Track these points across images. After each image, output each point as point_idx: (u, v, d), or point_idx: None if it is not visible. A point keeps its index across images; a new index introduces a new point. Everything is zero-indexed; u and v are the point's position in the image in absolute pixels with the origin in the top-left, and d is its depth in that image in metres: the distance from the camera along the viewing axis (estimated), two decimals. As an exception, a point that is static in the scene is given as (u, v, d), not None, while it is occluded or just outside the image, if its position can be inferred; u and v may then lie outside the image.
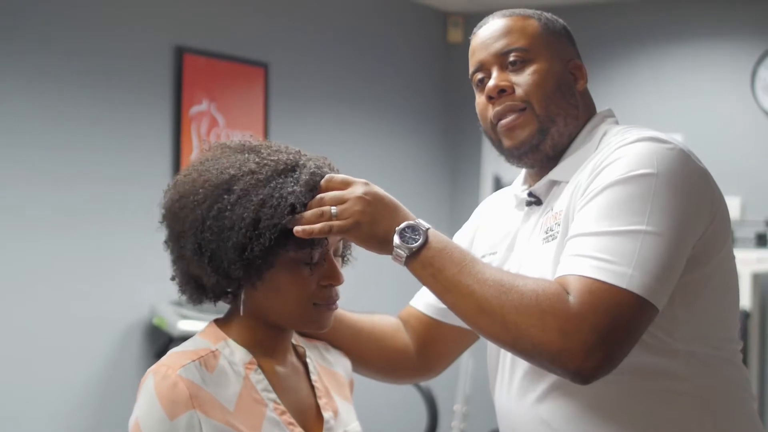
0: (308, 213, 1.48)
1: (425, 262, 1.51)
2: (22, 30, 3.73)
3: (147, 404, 1.44)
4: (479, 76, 1.73)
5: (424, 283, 1.54)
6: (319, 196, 1.50)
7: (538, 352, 1.45)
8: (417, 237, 1.51)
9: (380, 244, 1.52)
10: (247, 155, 1.53)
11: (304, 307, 1.52)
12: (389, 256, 1.56)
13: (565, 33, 1.76)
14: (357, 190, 1.51)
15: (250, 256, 1.46)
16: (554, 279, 1.50)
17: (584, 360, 1.42)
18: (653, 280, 1.45)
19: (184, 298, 1.60)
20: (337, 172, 1.59)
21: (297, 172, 1.51)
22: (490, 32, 1.72)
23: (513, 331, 1.45)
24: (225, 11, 4.59)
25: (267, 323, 1.55)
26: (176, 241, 1.53)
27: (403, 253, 1.51)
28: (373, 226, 1.50)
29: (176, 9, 4.34)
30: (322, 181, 1.52)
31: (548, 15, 1.76)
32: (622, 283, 1.44)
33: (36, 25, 3.77)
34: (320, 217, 1.48)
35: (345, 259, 1.63)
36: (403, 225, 1.51)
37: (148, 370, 1.48)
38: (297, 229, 1.46)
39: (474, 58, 1.74)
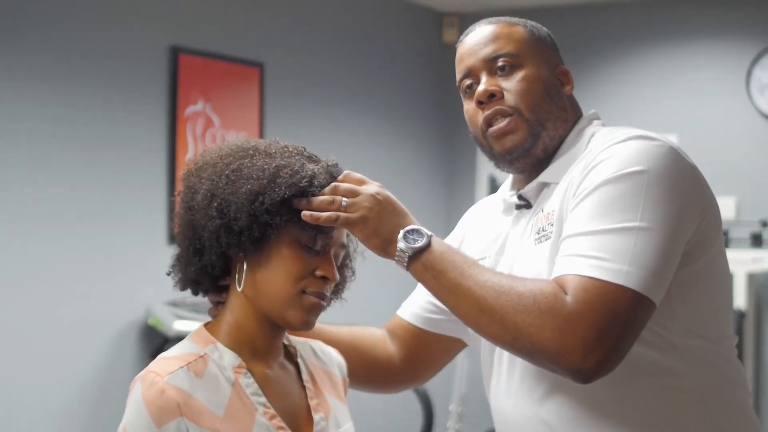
0: (320, 197, 1.52)
1: (427, 265, 1.54)
2: (18, 30, 3.73)
3: (135, 411, 1.44)
4: (467, 82, 1.74)
5: (426, 286, 1.56)
6: (334, 183, 1.55)
7: (537, 352, 1.46)
8: (420, 239, 1.55)
9: (383, 243, 1.55)
10: (276, 139, 1.62)
11: (292, 291, 1.51)
12: (391, 264, 1.58)
13: (550, 40, 1.78)
14: (371, 188, 1.57)
15: (259, 208, 1.47)
16: (551, 280, 1.51)
17: (584, 358, 1.43)
18: (649, 275, 1.46)
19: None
20: None
21: (320, 163, 1.58)
22: (478, 39, 1.73)
23: (512, 331, 1.47)
24: (220, 11, 4.59)
25: (256, 317, 1.53)
26: (189, 193, 1.54)
27: (406, 253, 1.54)
28: (379, 224, 1.54)
29: (172, 9, 4.34)
30: (340, 176, 1.57)
31: (533, 23, 1.78)
32: (618, 280, 1.45)
33: (32, 26, 3.77)
34: (330, 205, 1.51)
35: (344, 277, 1.63)
36: (407, 228, 1.55)
37: (137, 376, 1.48)
38: (305, 213, 1.49)
39: (462, 64, 1.75)
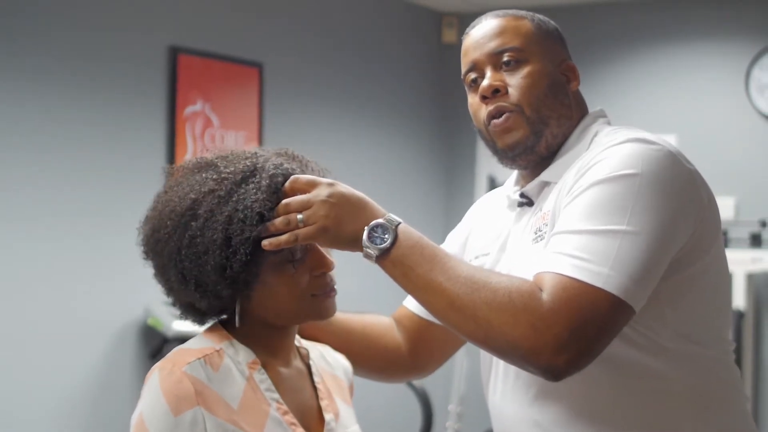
0: (276, 221, 1.48)
1: (396, 261, 1.50)
2: (17, 30, 3.72)
3: (152, 399, 1.44)
4: (472, 75, 1.72)
5: (397, 282, 1.53)
6: (284, 201, 1.49)
7: (510, 348, 1.44)
8: (386, 236, 1.50)
9: (349, 244, 1.51)
10: (204, 174, 1.52)
11: (302, 302, 1.53)
12: None
13: (557, 34, 1.76)
14: (322, 192, 1.49)
15: (232, 273, 1.47)
16: (533, 275, 1.50)
17: (555, 356, 1.42)
18: (630, 280, 1.45)
19: None
20: (302, 159, 1.59)
21: (257, 177, 1.50)
22: (484, 32, 1.72)
23: (485, 328, 1.45)
24: (219, 11, 4.59)
25: (270, 324, 1.55)
26: (162, 275, 1.54)
27: (372, 253, 1.50)
28: (340, 228, 1.49)
29: (171, 9, 4.34)
30: (287, 184, 1.51)
31: (540, 16, 1.75)
32: (597, 283, 1.43)
33: (31, 26, 3.76)
34: (287, 225, 1.47)
35: None
36: (371, 224, 1.50)
37: (154, 366, 1.48)
38: (264, 243, 1.47)
39: (467, 57, 1.73)
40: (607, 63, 5.63)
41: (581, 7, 5.68)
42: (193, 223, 1.48)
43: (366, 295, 4.10)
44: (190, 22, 4.43)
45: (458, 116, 5.87)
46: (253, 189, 1.48)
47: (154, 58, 4.25)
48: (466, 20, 5.90)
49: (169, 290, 1.56)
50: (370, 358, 1.83)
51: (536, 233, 1.64)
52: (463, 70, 1.74)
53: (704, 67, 5.45)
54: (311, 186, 1.50)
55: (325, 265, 1.53)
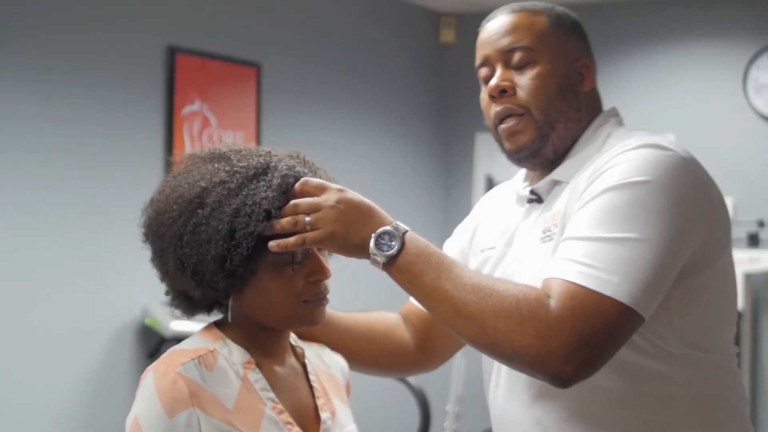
0: (283, 221, 1.47)
1: (402, 268, 1.49)
2: (15, 29, 3.72)
3: (146, 401, 1.44)
4: (484, 71, 1.72)
5: (403, 288, 1.53)
6: (293, 202, 1.49)
7: (517, 356, 1.44)
8: (393, 243, 1.49)
9: (357, 251, 1.51)
10: (216, 165, 1.52)
11: (294, 306, 1.52)
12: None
13: (576, 29, 1.74)
14: (331, 197, 1.49)
15: (231, 266, 1.46)
16: (542, 280, 1.49)
17: (563, 364, 1.41)
18: (639, 289, 1.44)
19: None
20: (312, 165, 1.59)
21: (269, 175, 1.50)
22: (497, 27, 1.70)
23: (492, 335, 1.44)
24: (217, 11, 4.58)
25: (261, 325, 1.55)
26: (159, 258, 1.54)
27: (379, 260, 1.49)
28: (348, 235, 1.49)
29: (168, 9, 4.33)
30: (297, 185, 1.50)
31: (560, 10, 1.73)
32: (606, 291, 1.43)
33: (28, 26, 3.76)
34: (294, 226, 1.47)
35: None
36: (378, 232, 1.49)
37: (148, 367, 1.48)
38: (271, 244, 1.46)
39: (480, 52, 1.73)
40: (605, 63, 5.61)
41: (579, 7, 5.68)
42: (199, 211, 1.47)
43: (365, 293, 4.10)
44: (187, 22, 4.42)
45: (456, 116, 5.87)
46: (263, 186, 1.48)
47: (152, 58, 4.25)
48: (464, 20, 5.93)
49: (164, 275, 1.55)
50: (376, 357, 1.83)
51: (544, 233, 1.63)
52: (476, 63, 1.74)
53: (702, 67, 5.45)
54: (321, 190, 1.50)
55: (322, 273, 1.53)
